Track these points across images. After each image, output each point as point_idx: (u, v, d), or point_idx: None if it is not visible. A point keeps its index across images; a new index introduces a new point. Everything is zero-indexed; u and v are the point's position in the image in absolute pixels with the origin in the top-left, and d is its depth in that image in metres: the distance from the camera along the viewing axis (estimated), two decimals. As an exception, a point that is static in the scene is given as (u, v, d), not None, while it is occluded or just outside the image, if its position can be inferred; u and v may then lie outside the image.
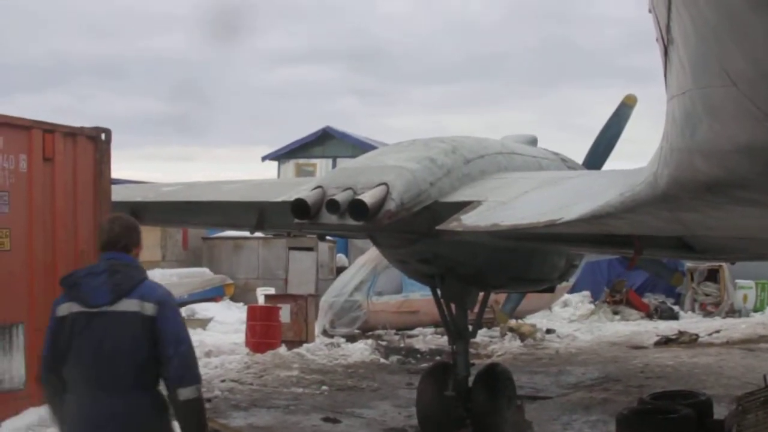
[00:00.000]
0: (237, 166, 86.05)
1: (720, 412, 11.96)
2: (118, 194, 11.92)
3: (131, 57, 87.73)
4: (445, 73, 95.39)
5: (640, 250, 9.01)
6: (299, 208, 9.50)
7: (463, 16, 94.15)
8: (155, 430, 5.52)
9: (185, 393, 5.37)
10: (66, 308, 5.48)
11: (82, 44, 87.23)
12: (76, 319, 5.43)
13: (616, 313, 31.24)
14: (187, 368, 5.44)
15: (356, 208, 9.18)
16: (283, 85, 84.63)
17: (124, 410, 5.33)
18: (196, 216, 13.86)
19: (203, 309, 25.35)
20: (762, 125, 3.19)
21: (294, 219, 9.67)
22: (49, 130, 10.57)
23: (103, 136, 11.05)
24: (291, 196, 10.10)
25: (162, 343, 5.37)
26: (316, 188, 9.73)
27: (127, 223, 5.86)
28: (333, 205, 9.32)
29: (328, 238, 24.04)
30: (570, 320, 30.14)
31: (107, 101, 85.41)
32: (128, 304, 5.40)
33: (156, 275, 26.14)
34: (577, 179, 9.99)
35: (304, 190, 10.09)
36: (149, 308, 5.40)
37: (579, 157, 13.77)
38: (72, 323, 5.43)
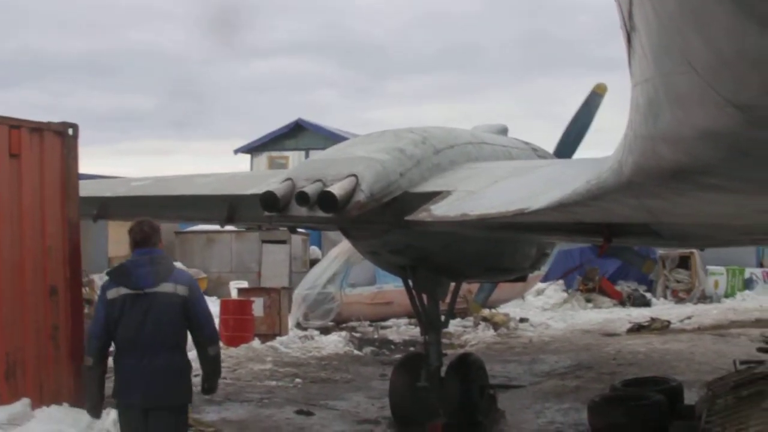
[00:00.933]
0: (212, 159, 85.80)
1: (691, 397, 12.06)
2: (86, 189, 11.81)
3: (107, 52, 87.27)
4: (420, 64, 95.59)
5: (609, 238, 9.03)
6: (268, 200, 9.48)
7: (437, 7, 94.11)
8: (185, 379, 7.48)
9: (213, 349, 7.58)
10: (115, 292, 7.37)
11: (57, 40, 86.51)
12: (125, 300, 7.31)
13: (588, 301, 31.41)
14: (213, 333, 7.72)
15: (325, 200, 9.16)
16: (258, 78, 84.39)
17: (166, 364, 7.28)
18: (166, 210, 13.76)
19: (176, 303, 25.19)
20: (723, 111, 3.20)
21: (264, 212, 9.64)
22: (15, 125, 10.43)
23: (70, 131, 10.92)
24: (261, 188, 10.06)
25: (196, 317, 7.44)
26: (285, 180, 9.70)
27: (152, 224, 7.72)
28: (302, 198, 9.30)
29: (300, 230, 24.01)
30: (543, 309, 30.29)
31: (83, 97, 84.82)
32: (166, 287, 7.36)
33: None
34: (547, 168, 10.01)
35: (273, 182, 10.06)
36: (181, 289, 7.39)
37: (550, 146, 13.81)
38: (122, 303, 7.31)
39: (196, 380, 7.82)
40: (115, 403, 7.60)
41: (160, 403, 7.29)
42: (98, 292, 7.75)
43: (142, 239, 7.54)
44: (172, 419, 7.41)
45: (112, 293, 7.38)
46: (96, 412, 7.78)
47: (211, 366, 7.68)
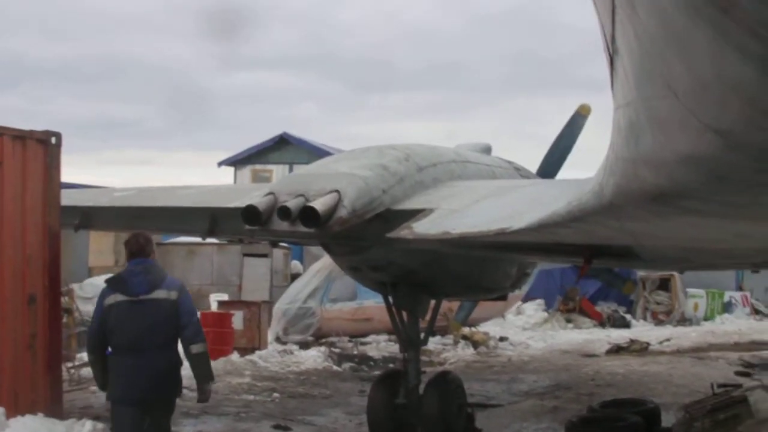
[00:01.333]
0: (195, 171, 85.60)
1: (668, 419, 12.09)
2: (68, 199, 11.78)
3: (89, 60, 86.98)
4: (403, 81, 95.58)
5: (589, 260, 9.06)
6: (250, 214, 9.46)
7: (421, 24, 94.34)
8: (175, 375, 8.36)
9: (196, 348, 8.34)
10: (112, 299, 8.26)
11: (38, 46, 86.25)
12: (121, 305, 8.20)
13: (569, 321, 31.45)
14: (197, 332, 8.45)
15: (307, 214, 9.15)
16: (241, 90, 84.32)
17: (161, 362, 8.22)
18: (147, 221, 13.69)
19: (156, 315, 25.09)
20: (703, 136, 3.22)
21: (245, 225, 9.62)
22: (-3, 133, 10.41)
23: (53, 140, 10.90)
24: (243, 202, 10.04)
25: (181, 316, 8.28)
26: (267, 194, 9.68)
27: (146, 236, 8.71)
28: (284, 212, 9.28)
29: (282, 244, 23.97)
30: (523, 328, 30.29)
31: (64, 105, 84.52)
32: (159, 293, 8.26)
33: (108, 281, 25.89)
34: (529, 188, 10.04)
35: (256, 196, 10.04)
36: (173, 294, 8.28)
37: (534, 166, 13.84)
38: (118, 308, 8.20)
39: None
40: (109, 400, 8.52)
41: (158, 397, 8.31)
42: (103, 289, 8.57)
43: (138, 250, 8.48)
44: (165, 410, 8.49)
45: (109, 299, 8.28)
46: (106, 388, 8.55)
47: (195, 364, 8.42)
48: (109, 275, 9.18)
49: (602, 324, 31.62)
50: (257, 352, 19.69)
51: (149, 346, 8.17)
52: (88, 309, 17.93)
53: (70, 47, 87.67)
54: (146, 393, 8.18)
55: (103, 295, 8.39)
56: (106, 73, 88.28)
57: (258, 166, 44.07)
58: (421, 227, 9.01)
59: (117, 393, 8.32)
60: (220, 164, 45.22)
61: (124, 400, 8.25)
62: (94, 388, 15.31)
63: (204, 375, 8.48)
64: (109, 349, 8.42)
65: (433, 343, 21.95)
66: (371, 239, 9.96)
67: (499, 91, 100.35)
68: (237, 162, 44.68)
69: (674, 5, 2.56)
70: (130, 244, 8.56)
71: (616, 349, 24.21)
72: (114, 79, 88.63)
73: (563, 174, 14.30)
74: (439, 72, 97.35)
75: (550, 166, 14.20)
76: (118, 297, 8.25)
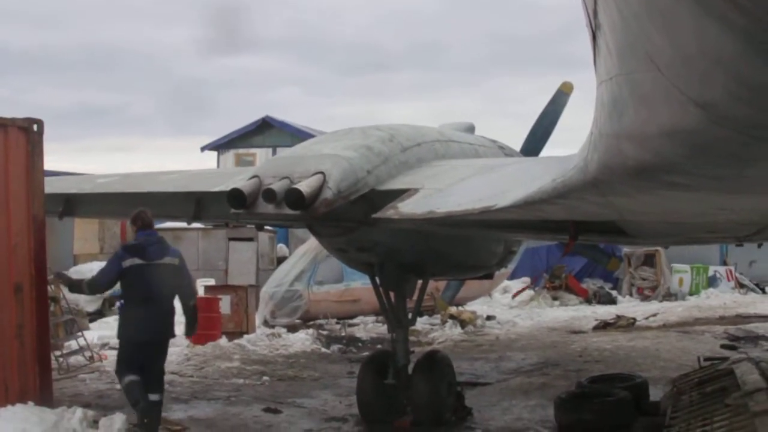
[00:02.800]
0: (177, 156, 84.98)
1: (656, 394, 12.17)
2: (51, 186, 11.71)
3: (70, 48, 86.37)
4: (385, 62, 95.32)
5: (574, 236, 9.09)
6: (235, 197, 9.45)
7: (401, 5, 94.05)
8: (173, 320, 10.63)
9: (192, 302, 10.94)
10: (129, 262, 10.31)
11: (19, 34, 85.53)
12: (137, 268, 10.29)
13: (555, 298, 31.54)
14: (193, 290, 11.69)
15: (293, 197, 9.15)
16: (223, 75, 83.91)
17: (167, 310, 10.51)
18: (132, 207, 13.66)
19: (142, 301, 25.08)
20: (686, 109, 3.23)
21: (231, 209, 9.62)
22: (-22, 121, 10.34)
23: (35, 127, 10.83)
24: (227, 185, 10.04)
25: (182, 278, 10.76)
26: (252, 178, 9.68)
27: (150, 212, 10.73)
28: (269, 195, 9.28)
29: (267, 227, 23.93)
30: (510, 306, 30.36)
31: (45, 93, 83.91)
32: (167, 260, 10.54)
33: (94, 268, 25.76)
34: (513, 166, 10.06)
35: (240, 179, 10.04)
36: (176, 261, 10.66)
37: (518, 144, 13.87)
38: (134, 270, 10.29)
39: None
40: (121, 339, 10.63)
41: (162, 337, 10.62)
42: (118, 253, 10.62)
43: (149, 224, 10.64)
44: (164, 347, 10.82)
45: (127, 262, 10.32)
46: (78, 284, 11.19)
47: (190, 313, 10.90)
48: (127, 243, 11.73)
49: (588, 300, 31.71)
50: (245, 336, 19.69)
51: (160, 299, 10.34)
52: (74, 297, 17.90)
53: (51, 35, 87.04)
54: (155, 334, 10.44)
55: (120, 258, 10.39)
56: (86, 60, 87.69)
57: (241, 150, 43.93)
58: (407, 207, 9.03)
59: (129, 333, 10.43)
60: (203, 149, 45.05)
61: (134, 339, 10.37)
62: (84, 376, 15.35)
63: (195, 319, 11.01)
64: (121, 301, 10.90)
65: (421, 323, 21.98)
66: (357, 220, 9.97)
67: (481, 70, 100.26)
68: (220, 146, 44.53)
69: (656, -22, 2.57)
70: (141, 218, 10.59)
71: (603, 325, 24.30)
72: (94, 66, 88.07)
73: (547, 151, 14.35)
74: (420, 52, 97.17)
75: (533, 144, 14.22)
76: (136, 260, 10.30)
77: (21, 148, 10.59)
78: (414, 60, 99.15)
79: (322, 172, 9.36)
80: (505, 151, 12.63)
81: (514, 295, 31.15)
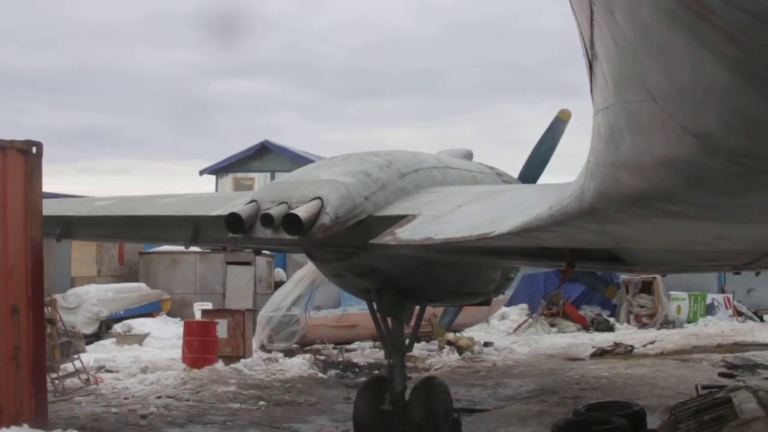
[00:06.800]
0: (175, 179, 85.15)
1: (653, 422, 12.14)
2: (50, 208, 11.73)
3: (68, 69, 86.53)
4: (383, 87, 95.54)
5: (571, 263, 9.10)
6: (233, 222, 9.46)
7: (398, 31, 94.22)
8: None
9: None
10: None
11: (17, 56, 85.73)
12: None
13: (553, 325, 31.50)
14: None
15: (290, 222, 9.16)
16: (221, 99, 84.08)
17: None
18: (130, 230, 13.66)
19: (140, 324, 25.05)
20: (680, 139, 3.25)
21: (228, 233, 9.62)
22: (-23, 143, 10.37)
23: (34, 149, 10.87)
24: (225, 210, 10.04)
25: None
26: (250, 202, 9.69)
27: None
28: (267, 219, 9.29)
29: (265, 252, 23.93)
30: (507, 333, 30.32)
31: (42, 114, 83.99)
32: None
33: (91, 290, 25.79)
34: (511, 193, 10.08)
35: (238, 204, 10.04)
36: None
37: (515, 171, 13.89)
38: None
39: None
40: None
41: None
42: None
43: None
44: None
45: None
46: None
47: None
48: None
49: (586, 328, 31.67)
50: (242, 361, 19.65)
51: None
52: (70, 319, 17.88)
53: (48, 58, 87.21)
54: None
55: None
56: (84, 83, 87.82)
57: (240, 174, 43.95)
58: (404, 233, 9.04)
59: None
60: (201, 173, 45.08)
61: None
62: (79, 398, 15.30)
63: None
64: None
65: (418, 348, 21.96)
66: (354, 246, 9.97)
67: (479, 97, 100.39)
68: (218, 170, 44.56)
69: (652, 11, 2.59)
70: None
71: (601, 353, 24.27)
72: (93, 89, 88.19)
73: (545, 178, 14.36)
74: (418, 78, 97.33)
75: (531, 171, 14.24)
76: None
77: (19, 170, 10.62)
78: (411, 86, 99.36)
79: (320, 198, 9.38)
80: (502, 178, 12.65)
81: (515, 330, 31.10)
